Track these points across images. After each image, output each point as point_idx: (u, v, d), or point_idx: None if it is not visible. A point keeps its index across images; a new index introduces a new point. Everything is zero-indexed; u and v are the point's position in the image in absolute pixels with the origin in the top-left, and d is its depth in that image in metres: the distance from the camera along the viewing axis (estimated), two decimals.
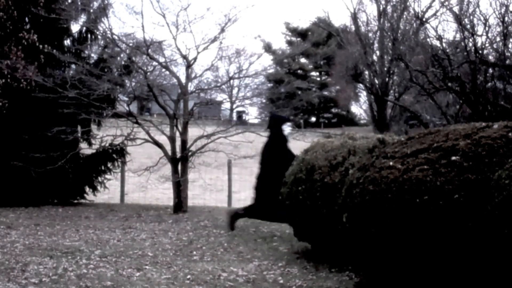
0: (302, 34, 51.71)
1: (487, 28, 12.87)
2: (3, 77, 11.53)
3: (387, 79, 30.28)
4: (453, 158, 4.52)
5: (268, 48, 48.09)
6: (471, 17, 13.01)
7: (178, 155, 11.76)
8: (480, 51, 12.73)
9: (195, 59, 12.23)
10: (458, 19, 13.12)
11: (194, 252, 7.38)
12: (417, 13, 21.20)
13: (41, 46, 11.91)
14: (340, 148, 6.53)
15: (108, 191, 13.35)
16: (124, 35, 12.72)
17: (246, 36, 22.01)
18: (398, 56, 20.40)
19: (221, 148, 11.87)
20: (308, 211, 6.50)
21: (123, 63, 13.07)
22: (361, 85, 32.76)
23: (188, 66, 12.24)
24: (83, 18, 13.56)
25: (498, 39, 12.95)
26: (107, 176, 13.30)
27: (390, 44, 27.60)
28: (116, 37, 12.27)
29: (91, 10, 13.05)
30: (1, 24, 11.76)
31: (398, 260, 4.73)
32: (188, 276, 6.02)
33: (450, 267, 4.40)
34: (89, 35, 13.56)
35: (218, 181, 14.82)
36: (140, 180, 12.78)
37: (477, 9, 13.04)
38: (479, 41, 12.96)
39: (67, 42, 13.60)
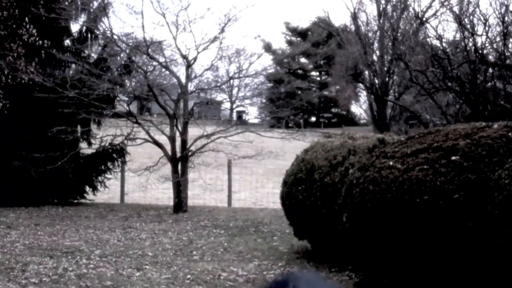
0: (302, 34, 51.70)
1: (487, 28, 12.86)
2: (4, 76, 11.54)
3: (387, 79, 30.28)
4: (453, 158, 4.52)
5: (268, 48, 48.07)
6: (471, 17, 13.00)
7: (178, 155, 11.75)
8: (480, 51, 12.72)
9: (195, 59, 12.24)
10: (458, 19, 13.11)
11: (194, 252, 7.38)
12: (417, 13, 21.19)
13: (40, 42, 11.91)
14: (340, 148, 6.53)
15: (108, 191, 13.35)
16: (124, 35, 12.75)
17: (246, 36, 21.99)
18: (398, 56, 20.38)
19: (221, 148, 11.86)
20: (308, 211, 6.49)
21: (123, 62, 13.07)
22: (361, 85, 32.76)
23: (188, 66, 12.24)
24: (83, 17, 13.57)
25: (498, 39, 12.94)
26: (107, 176, 13.30)
27: (390, 44, 27.58)
28: (116, 37, 12.28)
29: (91, 10, 13.05)
30: (3, 23, 11.76)
31: (398, 260, 4.73)
32: (188, 276, 6.02)
33: (449, 266, 4.40)
34: (89, 35, 13.55)
35: (218, 181, 14.81)
36: (140, 180, 12.78)
37: (477, 9, 13.03)
38: (479, 41, 12.95)
39: (67, 41, 13.61)
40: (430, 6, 26.95)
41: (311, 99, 46.06)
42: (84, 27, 13.46)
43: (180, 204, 11.57)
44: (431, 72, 13.42)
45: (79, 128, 12.72)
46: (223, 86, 14.80)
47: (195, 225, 9.74)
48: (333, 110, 54.05)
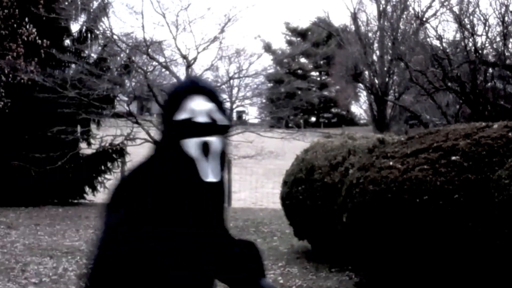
0: (302, 34, 51.68)
1: (487, 28, 12.86)
2: (4, 76, 11.55)
3: (387, 79, 30.29)
4: (453, 158, 4.52)
5: (268, 48, 48.01)
6: (471, 17, 13.00)
7: None
8: (480, 51, 12.72)
9: (195, 59, 12.26)
10: (458, 19, 13.11)
11: None
12: (417, 13, 21.19)
13: (40, 42, 11.93)
14: (340, 148, 6.53)
15: (108, 191, 13.33)
16: (124, 35, 12.78)
17: (246, 36, 22.07)
18: (398, 56, 20.38)
19: None
20: (308, 211, 6.49)
21: (123, 62, 13.08)
22: (361, 85, 32.78)
23: (188, 66, 12.25)
24: (83, 17, 13.57)
25: (498, 39, 12.95)
26: (107, 176, 13.29)
27: (390, 44, 27.59)
28: (116, 37, 12.30)
29: (91, 10, 13.06)
30: (3, 22, 11.77)
31: (398, 260, 4.73)
32: None
33: (449, 266, 4.40)
34: (89, 35, 13.56)
35: None
36: None
37: (477, 9, 13.03)
38: (479, 41, 12.95)
39: (67, 41, 13.61)
40: (430, 6, 26.94)
41: (311, 99, 45.98)
42: (84, 27, 13.46)
43: None
44: (431, 72, 13.42)
45: (79, 128, 12.72)
46: (223, 86, 14.78)
47: None
48: (333, 110, 54.04)
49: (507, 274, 4.05)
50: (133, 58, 12.70)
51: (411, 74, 15.49)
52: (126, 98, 14.13)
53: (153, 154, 1.80)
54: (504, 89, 13.67)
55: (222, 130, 1.73)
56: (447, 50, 13.55)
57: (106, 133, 12.87)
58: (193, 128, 1.68)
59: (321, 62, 50.77)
